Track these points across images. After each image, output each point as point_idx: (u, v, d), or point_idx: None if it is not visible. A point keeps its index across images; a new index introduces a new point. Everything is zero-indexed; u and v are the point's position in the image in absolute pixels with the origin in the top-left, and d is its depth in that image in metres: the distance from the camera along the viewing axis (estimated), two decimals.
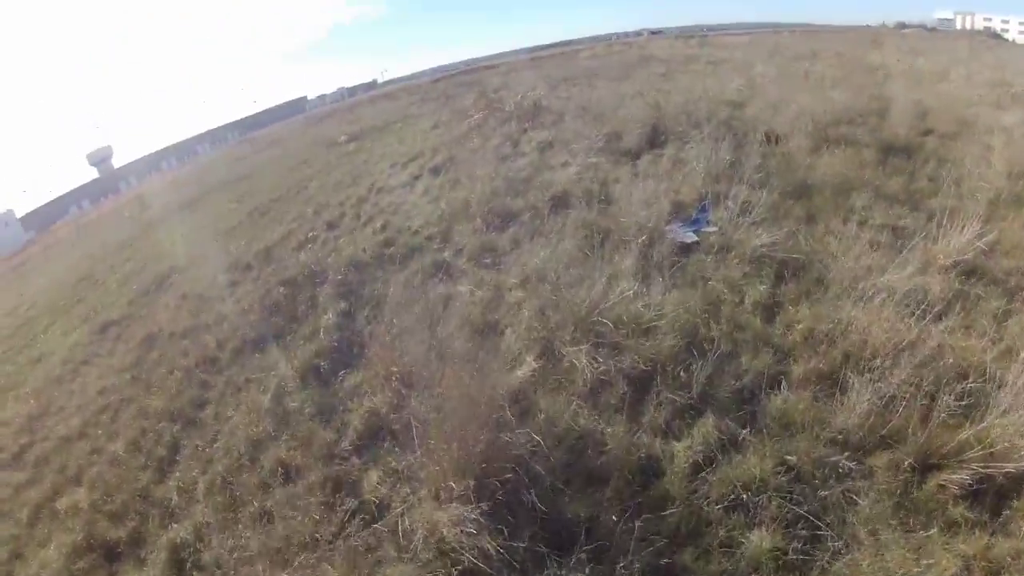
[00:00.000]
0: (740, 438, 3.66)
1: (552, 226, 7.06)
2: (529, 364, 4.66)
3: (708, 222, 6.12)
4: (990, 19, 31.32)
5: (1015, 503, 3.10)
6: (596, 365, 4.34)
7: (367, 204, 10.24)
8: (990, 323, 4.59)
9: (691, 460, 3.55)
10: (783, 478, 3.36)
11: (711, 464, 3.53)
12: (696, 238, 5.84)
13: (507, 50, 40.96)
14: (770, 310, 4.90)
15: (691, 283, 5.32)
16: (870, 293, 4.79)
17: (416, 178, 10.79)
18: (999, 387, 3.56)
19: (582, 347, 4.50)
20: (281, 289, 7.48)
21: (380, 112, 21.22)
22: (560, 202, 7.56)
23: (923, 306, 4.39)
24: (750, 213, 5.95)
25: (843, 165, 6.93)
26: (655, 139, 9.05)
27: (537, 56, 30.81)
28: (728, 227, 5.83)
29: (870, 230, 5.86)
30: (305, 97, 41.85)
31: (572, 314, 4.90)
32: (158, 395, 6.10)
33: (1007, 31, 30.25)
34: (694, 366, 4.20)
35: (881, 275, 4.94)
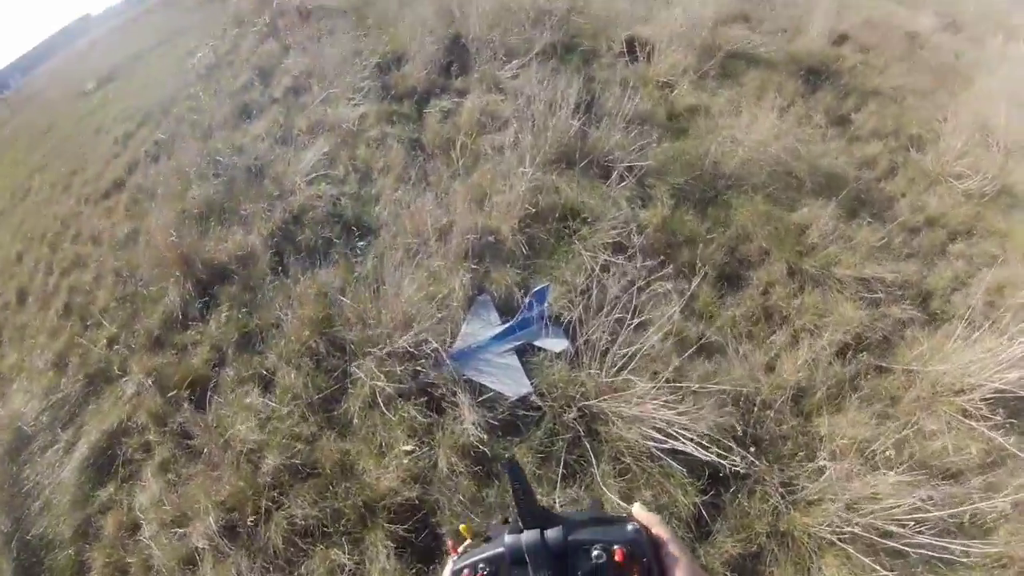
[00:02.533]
0: None
1: (267, 326, 3.21)
2: None
3: (547, 321, 2.79)
4: None
5: None
6: None
7: (65, 240, 5.32)
8: None
9: None
10: None
11: None
12: (530, 387, 2.53)
13: None
14: None
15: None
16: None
17: (131, 171, 5.72)
18: None
19: None
20: None
21: (150, 30, 13.00)
22: (284, 243, 3.61)
23: None
24: (628, 279, 2.73)
25: (770, 133, 3.86)
26: (452, 64, 5.05)
27: None
28: (591, 332, 2.58)
29: (839, 298, 3.09)
30: (88, 15, 27.24)
31: None
32: None
33: None
34: None
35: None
